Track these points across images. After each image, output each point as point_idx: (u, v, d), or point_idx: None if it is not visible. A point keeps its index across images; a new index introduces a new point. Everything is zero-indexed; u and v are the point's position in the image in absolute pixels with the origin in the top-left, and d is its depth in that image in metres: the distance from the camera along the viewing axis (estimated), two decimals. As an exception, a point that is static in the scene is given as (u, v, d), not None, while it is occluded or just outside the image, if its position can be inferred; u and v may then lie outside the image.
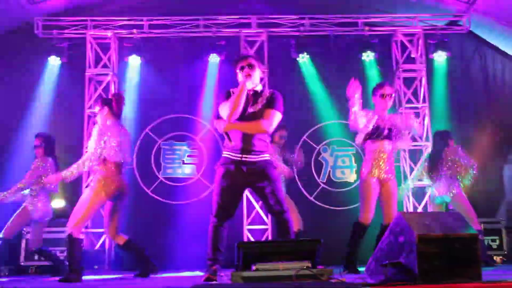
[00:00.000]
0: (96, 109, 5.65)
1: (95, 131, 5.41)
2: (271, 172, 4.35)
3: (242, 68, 4.44)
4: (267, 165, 4.36)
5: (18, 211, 6.37)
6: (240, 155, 4.30)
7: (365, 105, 5.43)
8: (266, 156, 4.40)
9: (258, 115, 4.32)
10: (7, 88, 8.49)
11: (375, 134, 5.47)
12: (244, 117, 4.34)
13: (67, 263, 5.61)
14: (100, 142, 5.32)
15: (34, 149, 6.48)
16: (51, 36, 8.73)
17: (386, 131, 5.49)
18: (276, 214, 4.35)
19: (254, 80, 4.42)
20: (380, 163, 5.50)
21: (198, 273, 6.59)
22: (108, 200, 5.42)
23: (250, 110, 4.36)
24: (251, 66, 4.42)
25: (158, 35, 8.97)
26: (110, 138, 5.33)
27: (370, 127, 5.39)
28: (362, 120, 5.34)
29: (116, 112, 5.51)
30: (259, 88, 4.49)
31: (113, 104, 5.50)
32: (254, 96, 4.42)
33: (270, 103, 4.36)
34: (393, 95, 5.64)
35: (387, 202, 5.50)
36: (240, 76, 4.46)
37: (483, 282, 3.10)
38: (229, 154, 4.36)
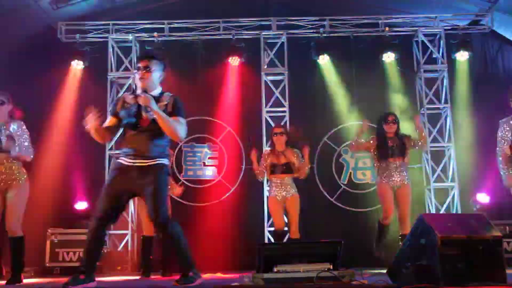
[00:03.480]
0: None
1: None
2: (159, 176, 4.04)
3: (138, 69, 4.13)
4: (158, 169, 4.05)
5: None
6: (134, 160, 4.04)
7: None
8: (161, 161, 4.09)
9: (156, 122, 3.99)
10: (32, 91, 8.56)
11: None
12: (141, 123, 4.06)
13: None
14: None
15: None
16: (74, 40, 8.85)
17: None
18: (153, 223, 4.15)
19: (149, 84, 4.09)
20: None
21: (219, 274, 6.60)
22: None
23: (147, 116, 4.04)
24: (147, 69, 4.09)
25: (178, 38, 9.04)
26: None
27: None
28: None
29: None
30: (156, 92, 4.13)
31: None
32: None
33: (175, 111, 4.09)
34: None
35: None
36: (136, 77, 4.16)
37: (508, 285, 3.06)
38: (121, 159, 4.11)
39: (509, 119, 5.57)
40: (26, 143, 5.36)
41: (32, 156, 5.42)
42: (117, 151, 4.40)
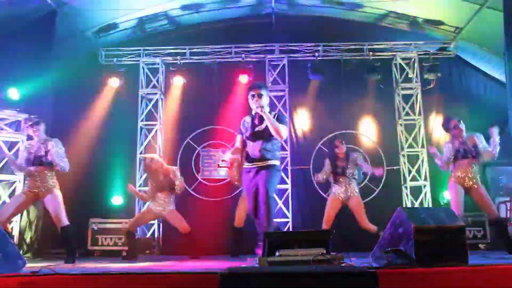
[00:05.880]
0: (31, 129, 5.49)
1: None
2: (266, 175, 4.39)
3: (253, 96, 4.48)
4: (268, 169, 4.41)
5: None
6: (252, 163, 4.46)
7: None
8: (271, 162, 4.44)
9: (265, 132, 4.40)
10: (78, 103, 8.63)
11: (458, 156, 5.76)
12: (253, 134, 4.45)
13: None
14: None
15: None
16: (112, 63, 8.94)
17: (464, 152, 5.74)
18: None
19: (261, 105, 4.46)
20: (468, 175, 5.72)
21: (229, 258, 6.61)
22: None
23: (258, 129, 4.44)
24: (260, 96, 4.47)
25: (197, 61, 9.07)
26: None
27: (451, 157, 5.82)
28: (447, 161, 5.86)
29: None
30: (266, 111, 4.48)
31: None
32: (261, 118, 4.46)
33: (279, 120, 4.42)
34: (461, 122, 5.87)
35: (481, 202, 5.73)
36: (250, 101, 4.52)
37: (468, 265, 3.08)
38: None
39: (448, 142, 5.89)
40: (64, 158, 5.45)
41: (68, 169, 5.49)
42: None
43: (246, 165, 4.49)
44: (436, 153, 5.88)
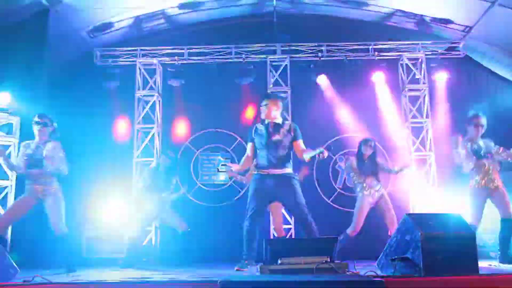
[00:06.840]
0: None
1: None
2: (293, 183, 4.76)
3: (260, 106, 4.86)
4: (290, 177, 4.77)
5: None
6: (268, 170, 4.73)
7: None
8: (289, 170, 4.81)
9: (283, 142, 4.74)
10: (70, 108, 8.61)
11: (476, 155, 5.78)
12: (271, 143, 4.71)
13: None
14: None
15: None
16: (107, 64, 8.95)
17: (481, 152, 5.78)
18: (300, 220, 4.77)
19: (270, 115, 4.79)
20: (488, 176, 5.71)
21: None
22: None
23: (275, 138, 4.73)
24: (266, 106, 4.80)
25: (196, 61, 9.08)
26: None
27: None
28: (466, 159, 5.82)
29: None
30: (279, 120, 4.83)
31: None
32: (275, 126, 4.76)
33: (297, 135, 4.80)
34: (485, 126, 5.89)
35: (501, 203, 5.68)
36: (262, 112, 4.86)
37: (479, 274, 3.08)
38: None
39: (466, 140, 5.86)
40: (62, 162, 5.49)
41: (67, 172, 5.57)
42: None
43: (261, 171, 4.74)
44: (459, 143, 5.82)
